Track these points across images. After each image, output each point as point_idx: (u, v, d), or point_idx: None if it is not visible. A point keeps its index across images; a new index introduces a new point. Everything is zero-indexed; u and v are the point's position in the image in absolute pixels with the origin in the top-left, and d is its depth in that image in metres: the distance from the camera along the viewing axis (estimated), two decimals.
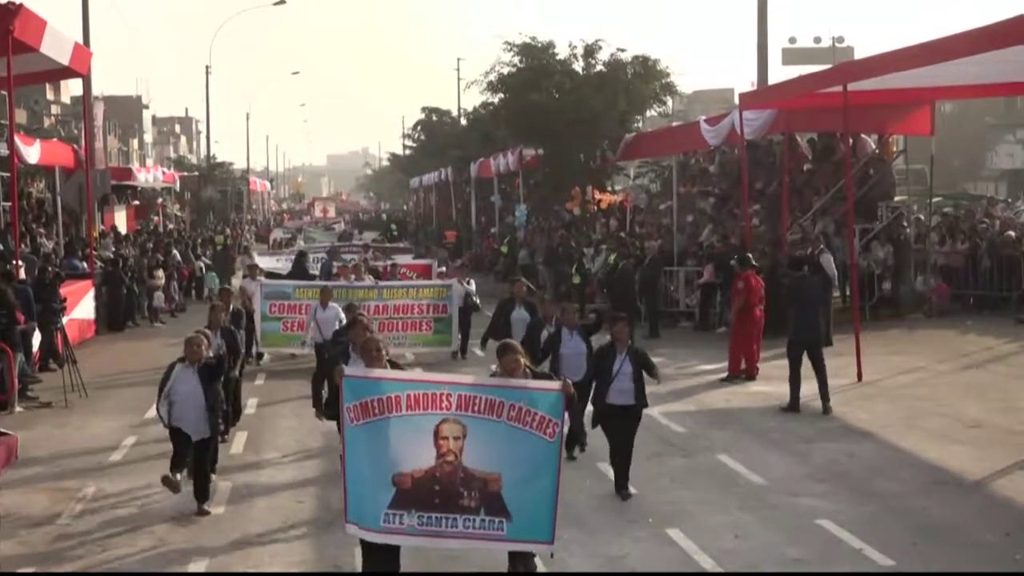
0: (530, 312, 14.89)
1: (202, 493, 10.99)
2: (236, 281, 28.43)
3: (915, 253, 24.19)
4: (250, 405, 16.45)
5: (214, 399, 11.06)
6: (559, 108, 33.26)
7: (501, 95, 36.46)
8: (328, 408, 8.49)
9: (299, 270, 26.13)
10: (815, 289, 16.19)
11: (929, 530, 10.04)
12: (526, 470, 8.02)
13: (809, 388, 16.09)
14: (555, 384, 8.29)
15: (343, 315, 16.39)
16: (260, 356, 20.03)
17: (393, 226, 55.54)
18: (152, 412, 13.33)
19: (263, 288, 20.31)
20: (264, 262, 27.47)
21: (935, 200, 29.81)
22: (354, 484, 7.98)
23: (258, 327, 19.38)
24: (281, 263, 28.76)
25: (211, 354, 11.55)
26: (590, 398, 11.34)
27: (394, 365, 9.04)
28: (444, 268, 25.23)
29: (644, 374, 11.20)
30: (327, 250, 29.30)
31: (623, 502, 10.97)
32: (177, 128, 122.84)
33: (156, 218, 46.86)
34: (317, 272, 26.10)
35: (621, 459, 11.20)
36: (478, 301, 21.03)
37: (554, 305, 14.09)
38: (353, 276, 21.46)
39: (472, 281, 21.52)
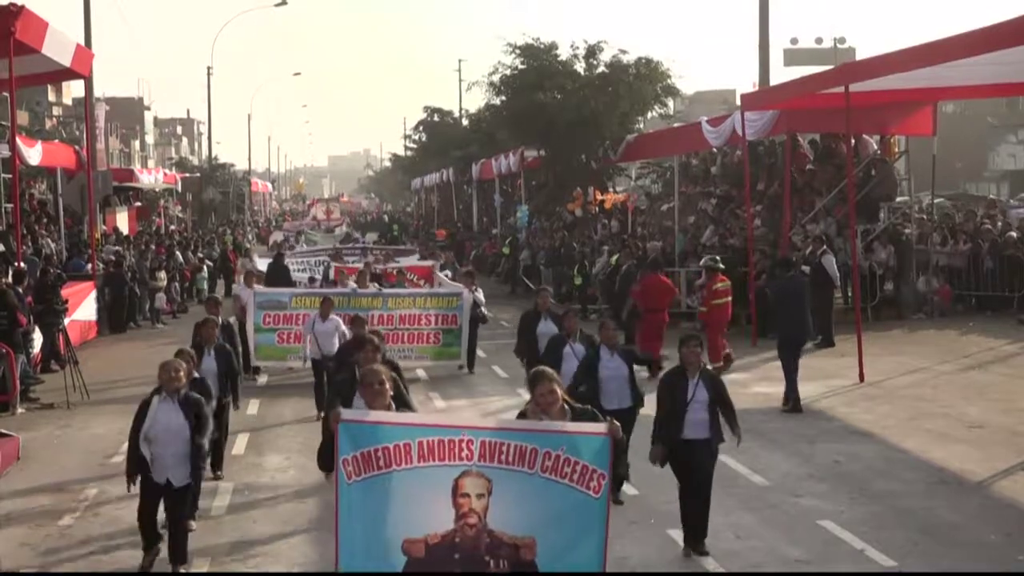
0: (558, 325, 13.10)
1: (179, 553, 9.15)
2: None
3: (917, 254, 24.19)
4: (252, 405, 16.46)
5: (202, 436, 9.14)
6: (561, 109, 33.30)
7: (503, 96, 36.53)
8: (321, 458, 7.18)
9: (276, 271, 24.91)
10: (800, 289, 16.15)
11: (931, 531, 10.03)
12: (566, 533, 6.69)
13: (813, 389, 16.14)
14: (600, 427, 6.91)
15: (344, 328, 15.45)
16: (256, 371, 18.77)
17: (395, 226, 55.51)
18: None
19: (256, 297, 18.83)
20: (264, 265, 26.74)
21: (937, 201, 29.84)
22: (350, 555, 6.70)
23: (251, 339, 18.41)
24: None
25: (196, 375, 10.18)
26: (656, 434, 9.65)
27: (398, 401, 7.79)
28: (449, 272, 23.33)
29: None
30: (330, 254, 27.64)
31: (688, 556, 9.43)
32: (179, 129, 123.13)
33: (158, 219, 46.88)
34: (318, 276, 24.89)
35: (699, 507, 9.47)
36: (486, 311, 19.84)
37: (577, 318, 12.50)
38: (353, 282, 19.97)
39: (480, 289, 20.09)
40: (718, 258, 20.05)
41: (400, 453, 6.68)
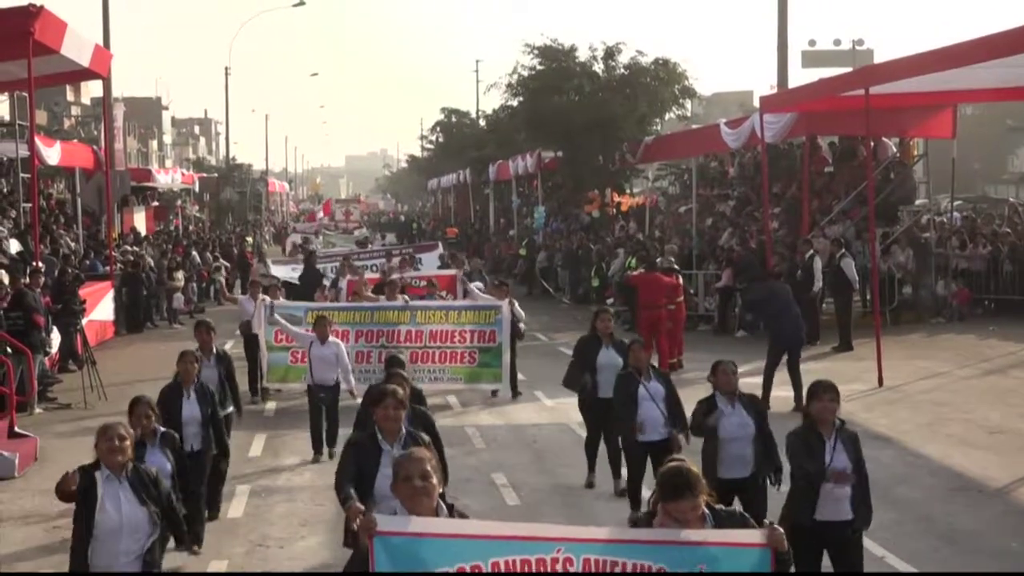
0: (622, 355, 10.89)
1: None
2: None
3: (936, 257, 24.07)
4: (268, 408, 16.45)
5: (166, 520, 6.86)
6: (578, 110, 33.28)
7: (520, 98, 36.56)
8: None
9: (310, 275, 23.74)
10: (786, 297, 16.44)
11: (952, 537, 9.96)
12: None
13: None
14: (756, 535, 5.04)
15: (346, 357, 13.89)
16: (266, 392, 17.21)
17: (414, 224, 55.52)
18: None
19: (267, 312, 16.58)
20: (279, 271, 25.54)
21: (955, 203, 29.70)
22: None
23: (264, 358, 16.69)
24: (297, 272, 25.06)
25: (160, 429, 8.28)
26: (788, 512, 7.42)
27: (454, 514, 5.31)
28: (481, 284, 20.09)
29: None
30: (343, 259, 25.07)
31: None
32: (196, 129, 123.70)
33: (175, 219, 47.00)
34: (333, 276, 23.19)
35: None
36: (524, 327, 17.70)
37: (644, 351, 10.50)
38: (369, 291, 18.48)
39: (516, 302, 17.50)
40: (672, 259, 21.20)
41: None
